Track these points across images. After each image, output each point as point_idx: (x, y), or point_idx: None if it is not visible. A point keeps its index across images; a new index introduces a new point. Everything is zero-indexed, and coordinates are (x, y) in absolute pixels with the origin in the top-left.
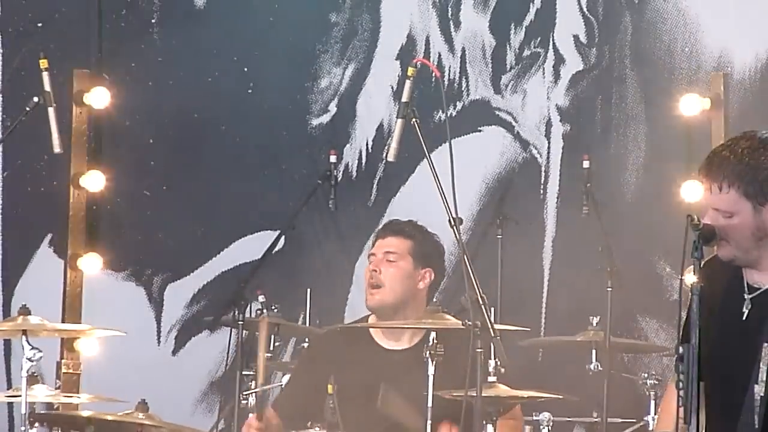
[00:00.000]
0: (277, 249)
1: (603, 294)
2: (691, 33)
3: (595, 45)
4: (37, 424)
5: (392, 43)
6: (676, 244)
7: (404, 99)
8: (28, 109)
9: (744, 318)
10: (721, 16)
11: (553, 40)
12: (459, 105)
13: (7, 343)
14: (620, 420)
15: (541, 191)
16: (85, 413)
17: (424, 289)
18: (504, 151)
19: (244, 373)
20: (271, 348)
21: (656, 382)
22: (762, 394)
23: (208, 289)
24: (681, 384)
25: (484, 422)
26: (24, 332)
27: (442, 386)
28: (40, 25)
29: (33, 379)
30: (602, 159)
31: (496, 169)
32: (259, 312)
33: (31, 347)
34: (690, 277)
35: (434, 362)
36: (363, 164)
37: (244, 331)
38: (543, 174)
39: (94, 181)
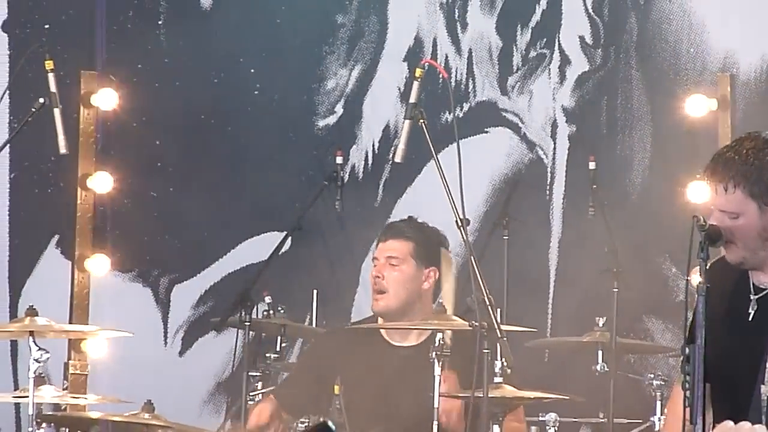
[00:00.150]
0: (283, 250)
1: (609, 295)
2: (696, 34)
3: (600, 46)
4: (44, 425)
5: (399, 45)
6: (682, 245)
7: (412, 100)
8: (34, 110)
9: (750, 319)
10: (726, 17)
11: (558, 41)
12: (466, 106)
13: (14, 344)
14: (626, 420)
15: (547, 192)
16: (94, 414)
17: (429, 288)
18: (510, 152)
19: (250, 373)
20: (278, 349)
21: (662, 383)
22: None
23: (215, 290)
24: (687, 385)
25: (491, 423)
26: (31, 333)
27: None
28: (46, 26)
29: (40, 379)
30: (608, 160)
31: (503, 170)
32: (265, 313)
33: (38, 348)
34: (696, 278)
35: (441, 362)
36: (369, 165)
37: (251, 332)
38: (549, 175)
39: (101, 182)
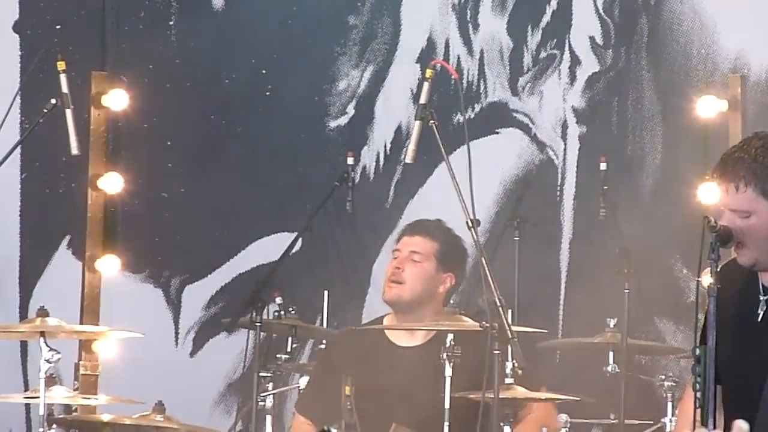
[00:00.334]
0: (294, 251)
1: (620, 296)
2: (707, 35)
3: (611, 47)
4: (54, 426)
5: (412, 46)
6: (693, 246)
7: (422, 101)
8: (45, 111)
9: (759, 319)
10: (737, 18)
11: (569, 41)
12: (477, 107)
13: (24, 345)
14: (638, 422)
15: (558, 193)
16: (105, 417)
17: (443, 292)
18: (521, 153)
19: (261, 374)
20: (289, 349)
21: (674, 384)
22: None
23: (226, 290)
24: (698, 386)
25: (501, 424)
26: (42, 334)
27: (455, 387)
28: (58, 27)
29: (51, 380)
30: (619, 161)
31: (513, 171)
32: (276, 314)
33: (49, 349)
34: (707, 279)
35: (451, 364)
36: (380, 166)
37: (262, 333)
38: (560, 176)
39: (112, 183)
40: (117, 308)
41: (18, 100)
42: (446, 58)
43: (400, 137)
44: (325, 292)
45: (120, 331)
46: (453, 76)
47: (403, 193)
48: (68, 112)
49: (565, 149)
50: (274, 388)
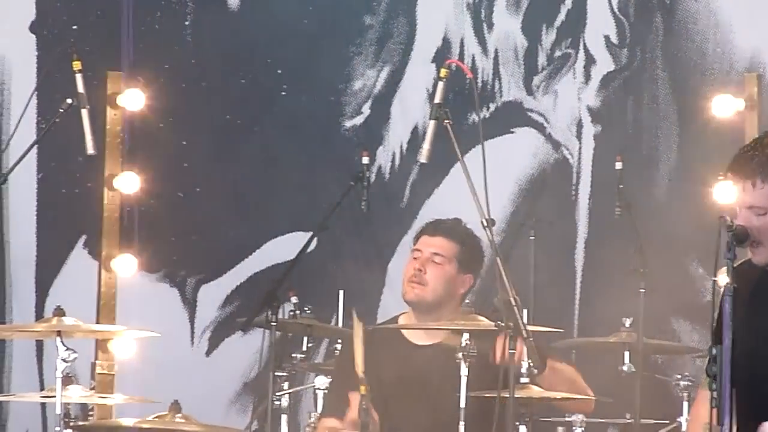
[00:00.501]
0: (309, 250)
1: (636, 295)
2: (722, 33)
3: (626, 45)
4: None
5: (428, 46)
6: (709, 245)
7: (437, 100)
8: (61, 110)
9: None
10: (753, 16)
11: (583, 40)
12: (492, 106)
13: (39, 345)
14: (653, 421)
15: (573, 192)
16: (125, 422)
17: (462, 294)
18: (536, 152)
19: (277, 374)
20: (304, 349)
21: (689, 384)
22: None
23: (242, 290)
24: (714, 385)
25: (517, 423)
26: (59, 333)
27: (471, 386)
28: (74, 27)
29: (67, 379)
30: (634, 160)
31: (528, 170)
32: (291, 313)
33: (65, 348)
34: (723, 279)
35: (467, 363)
36: (396, 166)
37: (277, 332)
38: (575, 175)
39: (128, 182)
40: (133, 308)
41: (34, 100)
42: (461, 57)
43: (416, 137)
44: (341, 292)
45: (136, 331)
46: (468, 76)
47: (418, 193)
48: (84, 112)
49: (580, 148)
50: (289, 388)
